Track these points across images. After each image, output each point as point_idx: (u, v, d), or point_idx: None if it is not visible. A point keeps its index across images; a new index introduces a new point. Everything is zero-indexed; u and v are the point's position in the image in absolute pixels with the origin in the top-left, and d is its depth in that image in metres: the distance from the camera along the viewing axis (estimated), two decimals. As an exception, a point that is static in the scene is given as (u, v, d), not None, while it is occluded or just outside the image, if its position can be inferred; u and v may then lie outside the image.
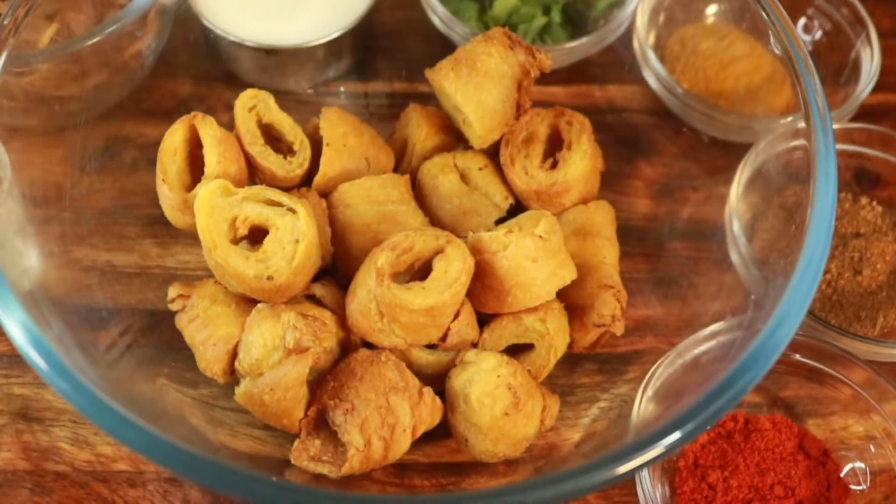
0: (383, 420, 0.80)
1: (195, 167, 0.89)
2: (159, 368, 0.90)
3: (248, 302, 0.87)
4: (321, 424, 0.83)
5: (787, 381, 0.95)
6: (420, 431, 0.84)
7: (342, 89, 1.13)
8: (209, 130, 0.88)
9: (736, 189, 0.98)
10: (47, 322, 0.74)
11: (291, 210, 0.82)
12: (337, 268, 0.93)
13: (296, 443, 0.82)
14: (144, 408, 0.78)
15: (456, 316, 0.85)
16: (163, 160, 0.88)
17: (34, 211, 0.89)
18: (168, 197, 0.88)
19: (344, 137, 0.94)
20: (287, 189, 0.89)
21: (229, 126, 0.93)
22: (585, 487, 0.66)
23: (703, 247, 1.01)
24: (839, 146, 1.05)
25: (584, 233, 0.94)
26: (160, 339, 0.92)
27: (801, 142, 0.82)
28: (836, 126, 1.05)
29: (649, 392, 0.86)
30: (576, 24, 1.14)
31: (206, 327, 0.86)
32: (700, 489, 0.88)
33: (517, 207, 0.97)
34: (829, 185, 0.77)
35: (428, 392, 0.84)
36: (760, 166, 0.99)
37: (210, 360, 0.86)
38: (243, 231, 0.82)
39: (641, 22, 1.09)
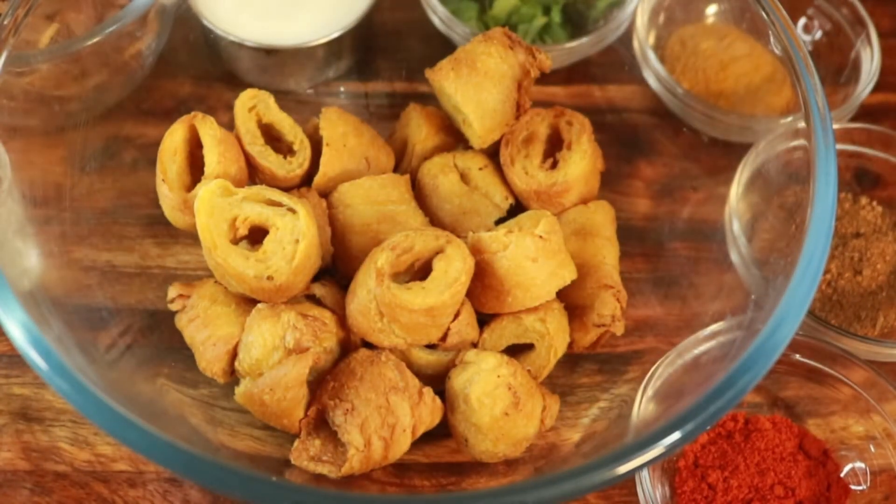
0: (383, 420, 0.80)
1: (195, 167, 0.89)
2: (159, 368, 0.90)
3: (248, 302, 0.87)
4: (321, 424, 0.83)
5: (787, 381, 0.95)
6: (420, 431, 0.84)
7: (342, 89, 1.13)
8: (209, 130, 0.88)
9: (736, 189, 0.98)
10: (47, 322, 0.74)
11: (291, 210, 0.82)
12: (337, 268, 0.93)
13: (296, 443, 0.82)
14: (144, 408, 0.78)
15: (456, 316, 0.85)
16: (163, 160, 0.88)
17: (34, 211, 0.89)
18: (168, 197, 0.88)
19: (344, 137, 0.94)
20: (287, 189, 0.89)
21: (229, 126, 0.93)
22: (585, 487, 0.66)
23: (703, 247, 1.01)
24: (839, 146, 1.05)
25: (584, 233, 0.94)
26: (160, 339, 0.92)
27: (801, 142, 0.82)
28: (836, 126, 1.05)
29: (649, 392, 0.86)
30: (576, 24, 1.14)
31: (206, 327, 0.86)
32: (700, 489, 0.88)
33: (517, 207, 0.97)
34: (829, 185, 0.77)
35: (428, 392, 0.84)
36: (760, 166, 0.99)
37: (210, 360, 0.86)
38: (243, 231, 0.82)
39: (641, 22, 1.09)
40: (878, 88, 1.10)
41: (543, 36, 1.12)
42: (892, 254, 1.02)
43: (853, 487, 0.90)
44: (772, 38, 0.89)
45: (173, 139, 0.88)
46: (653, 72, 1.07)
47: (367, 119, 1.02)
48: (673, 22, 1.15)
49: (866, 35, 1.12)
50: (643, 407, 0.85)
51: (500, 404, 0.82)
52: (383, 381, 0.82)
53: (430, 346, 0.87)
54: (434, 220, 0.95)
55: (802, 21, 1.17)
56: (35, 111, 0.96)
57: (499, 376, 0.82)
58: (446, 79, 0.93)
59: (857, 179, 1.08)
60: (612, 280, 0.90)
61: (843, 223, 1.05)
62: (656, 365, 0.88)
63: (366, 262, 0.84)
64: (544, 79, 0.99)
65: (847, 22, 1.14)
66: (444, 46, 1.08)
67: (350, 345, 0.88)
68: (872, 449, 0.91)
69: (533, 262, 0.83)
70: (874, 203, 1.06)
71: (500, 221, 0.94)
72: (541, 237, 0.83)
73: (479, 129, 0.93)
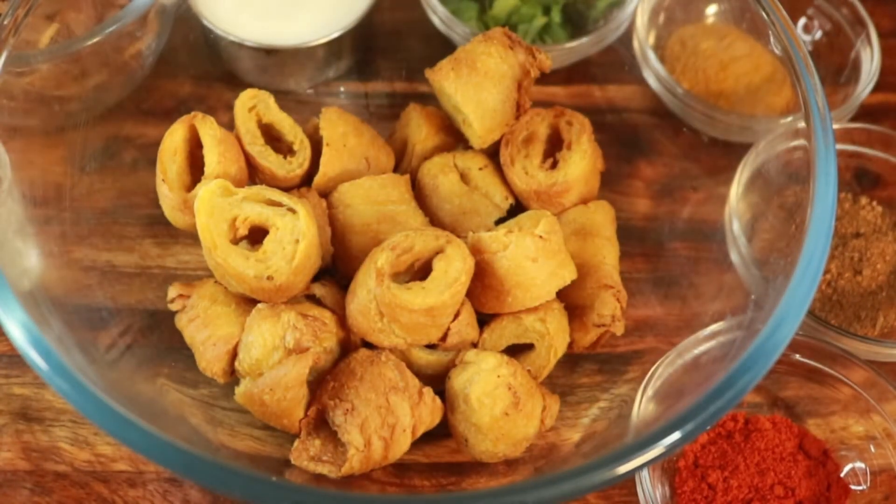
0: (383, 420, 0.80)
1: (195, 167, 0.89)
2: (159, 368, 0.90)
3: (248, 302, 0.87)
4: (321, 424, 0.83)
5: (787, 381, 0.95)
6: (420, 431, 0.84)
7: (342, 89, 1.13)
8: (209, 130, 0.88)
9: (736, 189, 0.98)
10: (47, 322, 0.74)
11: (291, 210, 0.82)
12: (337, 268, 0.93)
13: (296, 443, 0.82)
14: (144, 408, 0.78)
15: (456, 316, 0.85)
16: (163, 160, 0.88)
17: (34, 211, 0.89)
18: (168, 197, 0.88)
19: (344, 137, 0.94)
20: (287, 189, 0.89)
21: (229, 126, 0.93)
22: (585, 487, 0.66)
23: (703, 247, 1.01)
24: (839, 146, 1.05)
25: (584, 233, 0.94)
26: (160, 339, 0.92)
27: (801, 142, 0.82)
28: (836, 126, 1.05)
29: (649, 392, 0.86)
30: (576, 24, 1.14)
31: (206, 327, 0.86)
32: (700, 489, 0.88)
33: (517, 207, 0.97)
34: (829, 185, 0.77)
35: (428, 392, 0.84)
36: (760, 166, 0.99)
37: (210, 360, 0.86)
38: (243, 231, 0.82)
39: (641, 22, 1.09)
40: (878, 88, 1.10)
41: (543, 36, 1.12)
42: (892, 254, 1.02)
43: (853, 487, 0.90)
44: (772, 38, 0.89)
45: (173, 139, 0.88)
46: (653, 72, 1.07)
47: (367, 119, 1.02)
48: (673, 22, 1.15)
49: (866, 35, 1.12)
50: (643, 407, 0.85)
51: (500, 404, 0.82)
52: (383, 381, 0.82)
53: (430, 346, 0.87)
54: (434, 220, 0.95)
55: (802, 21, 1.17)
56: (35, 111, 0.96)
57: (499, 376, 0.82)
58: (446, 79, 0.93)
59: (857, 179, 1.08)
60: (612, 280, 0.90)
61: (843, 223, 1.05)
62: (656, 365, 0.88)
63: (366, 262, 0.84)
64: (544, 79, 0.99)
65: (847, 22, 1.14)
66: (444, 46, 1.08)
67: (350, 345, 0.88)
68: (872, 449, 0.91)
69: (533, 262, 0.83)
70: (874, 203, 1.06)
71: (500, 221, 0.94)
72: (541, 237, 0.83)
73: (479, 129, 0.93)
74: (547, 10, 1.12)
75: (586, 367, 0.94)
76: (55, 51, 0.96)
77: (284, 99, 0.98)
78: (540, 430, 0.86)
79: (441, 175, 0.95)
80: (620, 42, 1.11)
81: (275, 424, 0.84)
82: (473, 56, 0.93)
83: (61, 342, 0.73)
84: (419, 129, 0.99)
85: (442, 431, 0.86)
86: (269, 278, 0.81)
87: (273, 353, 0.83)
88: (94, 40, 0.96)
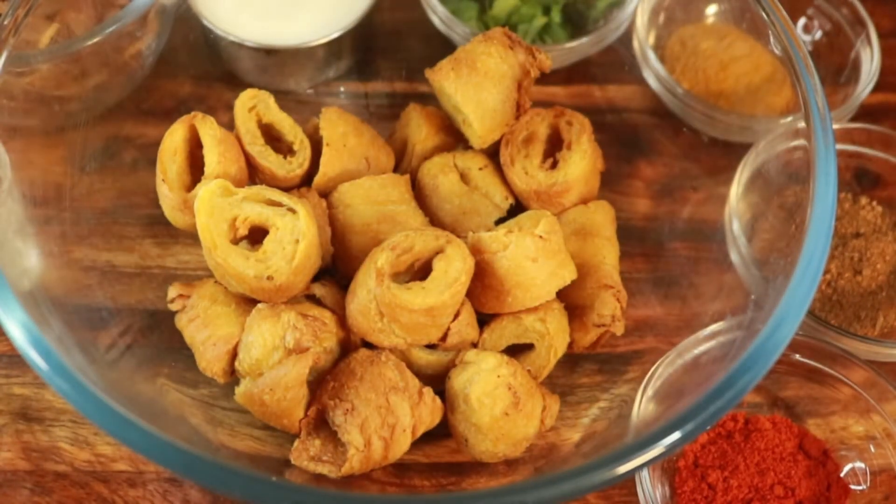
0: (383, 420, 0.80)
1: (195, 167, 0.89)
2: (159, 368, 0.90)
3: (248, 302, 0.87)
4: (321, 424, 0.83)
5: (787, 381, 0.95)
6: (420, 431, 0.84)
7: (342, 89, 1.13)
8: (209, 130, 0.88)
9: (736, 189, 0.98)
10: (47, 322, 0.74)
11: (291, 210, 0.82)
12: (337, 268, 0.93)
13: (296, 443, 0.82)
14: (144, 408, 0.78)
15: (456, 316, 0.85)
16: (163, 160, 0.88)
17: (34, 211, 0.89)
18: (168, 197, 0.88)
19: (344, 137, 0.94)
20: (287, 189, 0.89)
21: (229, 126, 0.93)
22: (585, 487, 0.66)
23: (703, 247, 1.01)
24: (839, 146, 1.05)
25: (584, 233, 0.94)
26: (160, 339, 0.92)
27: (801, 142, 0.82)
28: (836, 126, 1.05)
29: (649, 392, 0.86)
30: (576, 24, 1.14)
31: (206, 327, 0.86)
32: (700, 489, 0.88)
33: (517, 207, 0.97)
34: (829, 185, 0.77)
35: (428, 392, 0.84)
36: (760, 166, 0.99)
37: (210, 360, 0.86)
38: (243, 231, 0.82)
39: (641, 22, 1.09)
40: (878, 88, 1.10)
41: (543, 36, 1.12)
42: (892, 254, 1.02)
43: (853, 487, 0.90)
44: (772, 38, 0.89)
45: (173, 139, 0.88)
46: (653, 72, 1.07)
47: (367, 119, 1.02)
48: (673, 22, 1.15)
49: (866, 35, 1.12)
50: (643, 407, 0.85)
51: (500, 404, 0.82)
52: (383, 381, 0.82)
53: (430, 346, 0.87)
54: (434, 220, 0.95)
55: (802, 21, 1.17)
56: (35, 111, 0.96)
57: (499, 376, 0.82)
58: (446, 79, 0.93)
59: (857, 179, 1.08)
60: (612, 280, 0.90)
61: (843, 223, 1.05)
62: (656, 365, 0.88)
63: (366, 262, 0.84)
64: (544, 79, 0.99)
65: (847, 22, 1.14)
66: (444, 46, 1.08)
67: (350, 345, 0.88)
68: (872, 449, 0.91)
69: (533, 262, 0.83)
70: (874, 203, 1.06)
71: (500, 221, 0.94)
72: (541, 237, 0.83)
73: (479, 129, 0.93)
74: (547, 10, 1.12)
75: (586, 367, 0.94)
76: (55, 51, 0.96)
77: (284, 99, 0.98)
78: (540, 430, 0.86)
79: (441, 175, 0.95)
80: (620, 42, 1.11)
81: (275, 424, 0.84)
82: (473, 56, 0.93)
83: (61, 342, 0.73)
84: (419, 129, 0.99)
85: (442, 431, 0.86)
86: (269, 278, 0.81)
87: (273, 353, 0.83)
88: (94, 40, 0.96)
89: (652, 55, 1.07)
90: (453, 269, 0.81)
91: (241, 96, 0.92)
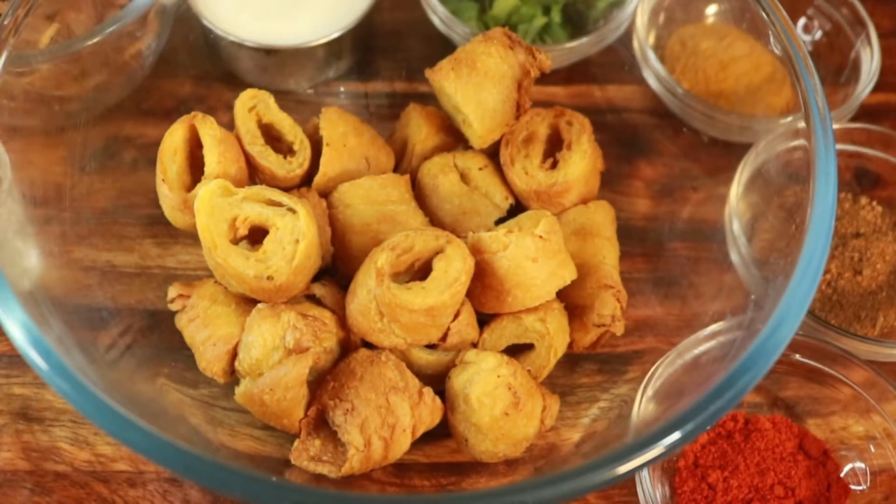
0: (383, 420, 0.80)
1: (195, 167, 0.89)
2: (159, 368, 0.90)
3: (248, 302, 0.87)
4: (321, 424, 0.83)
5: (787, 381, 0.95)
6: (420, 431, 0.84)
7: (342, 89, 1.13)
8: (209, 130, 0.88)
9: (736, 189, 0.98)
10: (47, 322, 0.74)
11: (291, 210, 0.82)
12: (337, 268, 0.93)
13: (296, 443, 0.82)
14: (144, 408, 0.78)
15: (456, 316, 0.85)
16: (163, 160, 0.88)
17: (34, 211, 0.89)
18: (168, 197, 0.88)
19: (344, 137, 0.94)
20: (287, 189, 0.89)
21: (229, 126, 0.93)
22: (585, 487, 0.66)
23: (703, 247, 1.01)
24: (839, 146, 1.05)
25: (584, 233, 0.94)
26: (160, 339, 0.92)
27: (801, 142, 0.82)
28: (836, 126, 1.05)
29: (649, 392, 0.86)
30: (576, 24, 1.14)
31: (206, 327, 0.86)
32: (700, 489, 0.88)
33: (517, 207, 0.97)
34: (829, 185, 0.77)
35: (428, 392, 0.84)
36: (760, 166, 0.99)
37: (210, 360, 0.86)
38: (243, 231, 0.82)
39: (641, 22, 1.09)
40: (878, 88, 1.10)
41: (543, 36, 1.12)
42: (892, 254, 1.02)
43: (853, 487, 0.90)
44: (772, 38, 0.89)
45: (173, 139, 0.88)
46: (653, 72, 1.07)
47: (367, 119, 1.02)
48: (673, 22, 1.15)
49: (866, 35, 1.12)
50: (643, 407, 0.85)
51: (500, 404, 0.82)
52: (383, 381, 0.82)
53: (430, 346, 0.87)
54: (434, 220, 0.95)
55: (802, 21, 1.17)
56: (35, 111, 0.96)
57: (499, 376, 0.82)
58: (446, 79, 0.93)
59: (857, 179, 1.08)
60: (612, 280, 0.90)
61: (843, 223, 1.05)
62: (656, 365, 0.88)
63: (366, 262, 0.84)
64: (544, 79, 0.99)
65: (847, 22, 1.14)
66: (444, 46, 1.08)
67: (350, 345, 0.88)
68: (872, 449, 0.91)
69: (533, 262, 0.83)
70: (874, 203, 1.06)
71: (500, 221, 0.94)
72: (541, 237, 0.83)
73: (479, 129, 0.93)
74: (547, 10, 1.12)
75: (586, 367, 0.94)
76: (55, 51, 0.96)
77: (284, 99, 0.98)
78: (540, 430, 0.86)
79: (441, 175, 0.95)
80: (620, 42, 1.11)
81: (275, 424, 0.84)
82: (473, 56, 0.93)
83: (61, 342, 0.73)
84: (419, 129, 0.99)
85: (442, 431, 0.86)
86: (269, 278, 0.81)
87: (273, 353, 0.83)
88: (94, 40, 0.96)
89: (652, 55, 1.07)
90: (453, 269, 0.81)
91: (241, 96, 0.92)
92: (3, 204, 0.84)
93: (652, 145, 1.08)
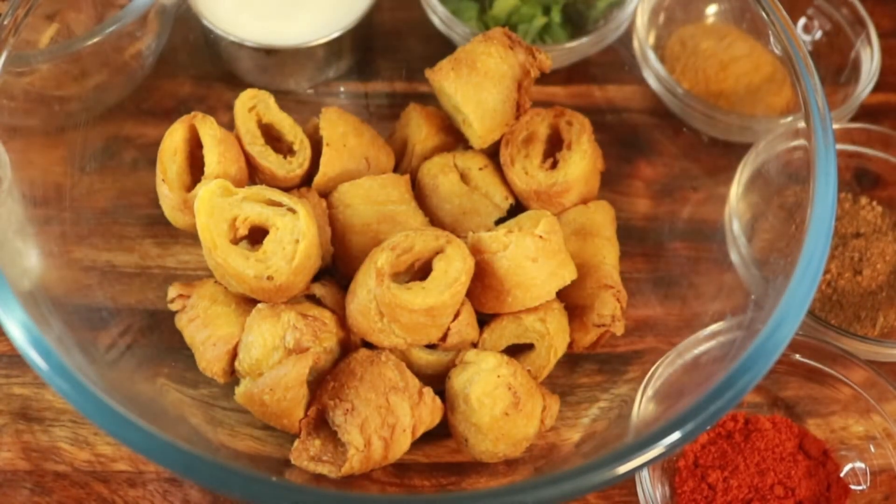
0: (383, 420, 0.80)
1: (195, 167, 0.89)
2: (159, 368, 0.90)
3: (248, 302, 0.87)
4: (321, 424, 0.83)
5: (787, 381, 0.95)
6: (420, 431, 0.84)
7: (342, 89, 1.13)
8: (209, 130, 0.88)
9: (736, 189, 0.98)
10: (47, 322, 0.74)
11: (291, 210, 0.82)
12: (337, 268, 0.93)
13: (296, 443, 0.82)
14: (144, 408, 0.78)
15: (456, 316, 0.85)
16: (163, 160, 0.88)
17: (34, 211, 0.89)
18: (168, 197, 0.88)
19: (344, 137, 0.94)
20: (287, 189, 0.90)
21: (229, 126, 0.93)
22: (585, 487, 0.66)
23: (703, 247, 1.01)
24: (839, 146, 1.05)
25: (584, 233, 0.94)
26: (160, 339, 0.92)
27: (801, 142, 0.82)
28: (836, 126, 1.05)
29: (649, 392, 0.86)
30: (576, 24, 1.14)
31: (206, 327, 0.86)
32: (700, 489, 0.88)
33: (517, 207, 0.97)
34: (829, 185, 0.77)
35: (428, 392, 0.84)
36: (760, 166, 0.99)
37: (210, 360, 0.86)
38: (243, 231, 0.82)
39: (641, 22, 1.09)
40: (878, 88, 1.10)
41: (543, 36, 1.12)
42: (892, 254, 1.02)
43: (853, 487, 0.90)
44: (772, 38, 0.89)
45: (173, 139, 0.88)
46: (653, 72, 1.07)
47: (367, 119, 1.02)
48: (673, 22, 1.15)
49: (866, 35, 1.12)
50: (643, 407, 0.85)
51: (500, 404, 0.82)
52: (383, 381, 0.82)
53: (430, 346, 0.87)
54: (434, 220, 0.95)
55: (802, 21, 1.17)
56: (35, 111, 0.96)
57: (499, 376, 0.82)
58: (446, 79, 0.93)
59: (857, 179, 1.08)
60: (612, 280, 0.90)
61: (843, 223, 1.05)
62: (656, 365, 0.88)
63: (366, 262, 0.84)
64: (544, 79, 0.99)
65: (847, 22, 1.14)
66: (444, 46, 1.08)
67: (350, 345, 0.88)
68: (872, 449, 0.91)
69: (533, 262, 0.83)
70: (874, 203, 1.06)
71: (500, 221, 0.94)
72: (541, 237, 0.83)
73: (479, 129, 0.93)
74: (547, 10, 1.13)
75: (586, 367, 0.94)
76: (55, 51, 0.96)
77: (284, 99, 0.98)
78: (540, 430, 0.86)
79: (441, 175, 0.96)
80: (620, 42, 1.11)
81: (275, 424, 0.84)
82: (473, 56, 0.93)
83: (61, 342, 0.73)
84: (419, 129, 0.99)
85: (442, 431, 0.86)
86: (269, 278, 0.81)
87: (273, 353, 0.83)
88: (94, 40, 0.96)
89: (652, 55, 1.07)
90: (453, 269, 0.81)
91: (241, 96, 0.92)
92: (3, 204, 0.84)
93: (652, 145, 1.08)
